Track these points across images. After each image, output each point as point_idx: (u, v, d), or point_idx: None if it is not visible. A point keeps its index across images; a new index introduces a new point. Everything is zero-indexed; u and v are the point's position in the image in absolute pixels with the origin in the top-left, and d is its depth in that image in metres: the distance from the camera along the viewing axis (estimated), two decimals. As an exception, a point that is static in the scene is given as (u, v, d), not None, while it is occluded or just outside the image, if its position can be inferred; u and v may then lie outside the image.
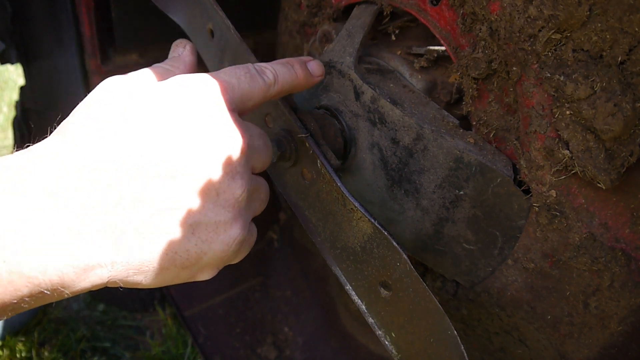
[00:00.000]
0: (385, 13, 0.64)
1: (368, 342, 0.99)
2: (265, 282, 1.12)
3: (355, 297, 0.52)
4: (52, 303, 1.56)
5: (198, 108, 0.42)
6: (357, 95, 0.62)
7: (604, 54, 0.44)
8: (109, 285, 0.39)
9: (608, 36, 0.43)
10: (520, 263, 0.56)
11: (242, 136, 0.44)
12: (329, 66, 0.64)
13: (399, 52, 0.67)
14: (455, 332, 0.46)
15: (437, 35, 0.58)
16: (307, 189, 0.55)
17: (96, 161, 0.37)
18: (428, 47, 0.63)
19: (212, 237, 0.42)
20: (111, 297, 1.52)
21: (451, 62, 0.59)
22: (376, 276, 0.49)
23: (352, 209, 0.50)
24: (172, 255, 0.40)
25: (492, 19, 0.50)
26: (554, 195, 0.52)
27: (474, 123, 0.59)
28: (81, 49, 0.96)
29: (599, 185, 0.47)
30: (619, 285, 0.50)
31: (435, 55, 0.63)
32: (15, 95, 2.48)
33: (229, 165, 0.43)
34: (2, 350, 1.38)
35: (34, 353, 1.38)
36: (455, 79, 0.58)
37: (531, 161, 0.52)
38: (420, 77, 0.65)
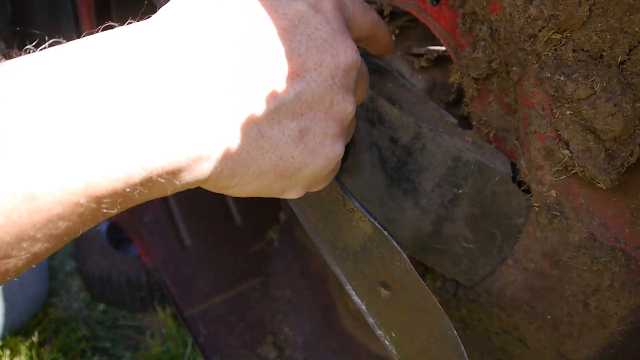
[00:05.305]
0: (385, 13, 0.64)
1: (368, 342, 0.99)
2: (265, 282, 1.12)
3: (355, 297, 0.52)
4: (52, 303, 1.56)
5: (321, 14, 0.40)
6: None
7: (604, 54, 0.44)
8: (202, 185, 0.37)
9: (608, 36, 0.43)
10: (520, 263, 0.57)
11: (358, 54, 0.42)
12: None
13: (399, 52, 0.67)
14: (455, 332, 0.46)
15: (437, 35, 0.58)
16: (307, 188, 0.55)
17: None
18: (428, 47, 0.63)
19: (318, 147, 0.40)
20: (111, 297, 1.52)
21: (451, 62, 0.59)
22: (376, 276, 0.49)
23: (352, 208, 0.50)
24: (277, 159, 0.38)
25: (492, 19, 0.50)
26: (554, 195, 0.52)
27: (474, 123, 0.59)
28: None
29: (599, 185, 0.47)
30: (618, 285, 0.50)
31: (435, 55, 0.63)
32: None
33: (346, 77, 0.41)
34: (3, 350, 1.38)
35: (34, 353, 1.38)
36: (455, 79, 0.58)
37: (531, 161, 0.52)
38: (420, 77, 0.65)
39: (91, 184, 0.30)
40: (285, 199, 0.46)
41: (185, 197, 1.09)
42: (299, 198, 0.57)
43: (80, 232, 0.32)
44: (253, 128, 0.36)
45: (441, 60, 0.63)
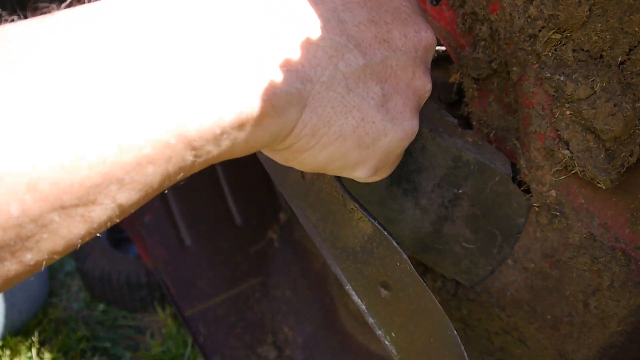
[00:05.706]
0: (385, 13, 0.64)
1: (368, 342, 0.99)
2: (265, 282, 1.12)
3: (355, 297, 0.52)
4: (52, 303, 1.56)
5: None
6: None
7: (604, 54, 0.44)
8: (281, 144, 0.37)
9: (608, 36, 0.43)
10: (520, 263, 0.57)
11: (435, 39, 0.43)
12: None
13: (399, 52, 0.67)
14: (455, 332, 0.46)
15: (437, 35, 0.58)
16: (307, 188, 0.55)
17: None
18: (428, 47, 0.63)
19: (398, 117, 0.40)
20: (111, 297, 1.52)
21: (451, 62, 0.59)
22: (376, 276, 0.49)
23: (352, 208, 0.50)
24: (358, 121, 0.38)
25: (492, 19, 0.50)
26: (554, 195, 0.52)
27: (474, 123, 0.59)
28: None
29: (598, 185, 0.47)
30: (619, 285, 0.50)
31: (435, 55, 0.62)
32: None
33: (426, 55, 0.42)
34: (3, 350, 1.38)
35: (34, 353, 1.38)
36: (455, 79, 0.58)
37: (531, 161, 0.52)
38: (420, 77, 0.65)
39: (182, 123, 0.30)
40: (284, 200, 0.46)
41: (185, 197, 1.09)
42: (299, 198, 0.57)
43: (166, 185, 0.32)
44: (341, 82, 0.37)
45: (441, 60, 0.63)
